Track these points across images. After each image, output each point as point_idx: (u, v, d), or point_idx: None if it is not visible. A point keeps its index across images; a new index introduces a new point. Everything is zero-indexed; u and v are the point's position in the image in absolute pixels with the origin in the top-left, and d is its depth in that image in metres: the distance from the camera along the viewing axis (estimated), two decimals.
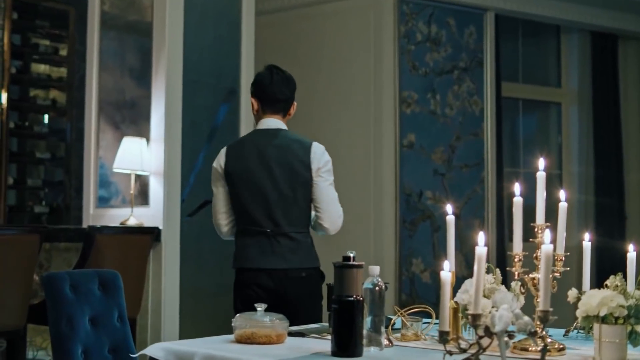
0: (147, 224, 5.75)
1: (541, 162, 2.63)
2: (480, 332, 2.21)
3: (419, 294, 6.91)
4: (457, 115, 7.20)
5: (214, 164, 3.94)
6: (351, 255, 2.61)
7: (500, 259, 7.11)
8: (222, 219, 3.97)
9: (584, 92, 8.25)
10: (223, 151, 3.95)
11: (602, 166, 8.07)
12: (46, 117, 8.08)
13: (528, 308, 2.53)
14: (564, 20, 7.92)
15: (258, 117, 4.00)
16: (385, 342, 2.67)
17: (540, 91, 8.33)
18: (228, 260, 5.41)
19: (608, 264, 6.70)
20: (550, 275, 2.42)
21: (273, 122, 3.97)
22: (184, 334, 5.65)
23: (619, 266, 3.07)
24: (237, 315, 2.84)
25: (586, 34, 8.20)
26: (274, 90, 3.97)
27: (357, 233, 6.78)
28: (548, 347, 2.50)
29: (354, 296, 2.50)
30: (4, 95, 7.37)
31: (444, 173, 7.11)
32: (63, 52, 7.99)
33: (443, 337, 2.25)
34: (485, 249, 2.21)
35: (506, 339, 2.21)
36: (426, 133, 7.03)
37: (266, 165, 3.86)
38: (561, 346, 2.59)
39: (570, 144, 8.26)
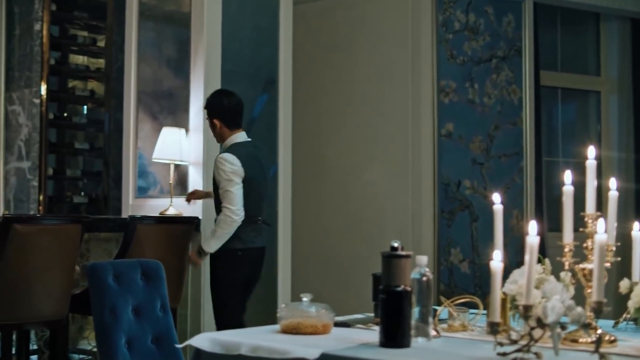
0: (186, 213, 5.76)
1: (591, 151, 2.59)
2: (532, 323, 2.18)
3: (458, 284, 6.88)
4: (496, 104, 7.15)
5: (234, 167, 4.99)
6: (397, 245, 2.59)
7: (540, 249, 7.04)
8: (243, 209, 5.03)
9: (624, 80, 8.14)
10: (235, 159, 4.99)
11: None
12: (85, 108, 8.12)
13: (577, 299, 2.50)
14: (603, 7, 7.82)
15: (223, 133, 5.17)
16: (433, 332, 2.65)
17: (579, 80, 8.23)
18: (267, 251, 5.44)
19: None
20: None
21: (245, 135, 5.22)
22: None
23: None
24: (283, 305, 2.84)
25: (626, 21, 8.09)
26: (235, 109, 5.18)
27: (395, 223, 6.77)
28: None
29: (402, 286, 2.48)
30: (43, 87, 7.41)
31: (482, 162, 7.06)
32: (101, 43, 8.02)
33: (494, 328, 2.22)
34: (538, 238, 2.18)
35: (558, 330, 2.18)
36: (464, 122, 6.98)
37: (264, 171, 5.31)
38: (612, 338, 2.55)
39: (609, 132, 8.17)
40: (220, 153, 5.14)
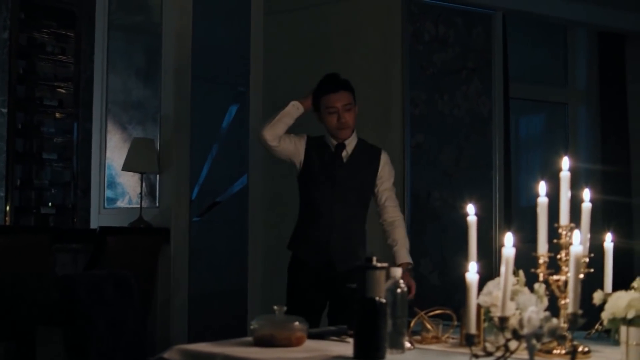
0: (156, 224, 5.72)
1: (565, 162, 2.59)
2: (508, 334, 2.18)
3: (427, 295, 6.87)
4: (466, 116, 7.16)
5: None
6: (372, 257, 2.58)
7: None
8: None
9: (592, 92, 8.21)
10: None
11: (609, 167, 8.02)
12: (53, 117, 8.02)
13: (550, 310, 2.50)
14: (571, 20, 7.88)
15: None
16: (407, 344, 2.64)
17: (548, 91, 8.28)
18: (238, 263, 5.40)
19: (617, 265, 6.65)
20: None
21: None
22: (192, 337, 5.61)
23: (629, 267, 3.03)
24: (256, 317, 2.81)
25: (593, 33, 8.16)
26: None
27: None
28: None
29: (377, 298, 2.47)
30: (10, 96, 7.34)
31: (452, 174, 7.07)
32: (70, 53, 7.94)
33: (470, 340, 2.22)
34: (514, 250, 2.18)
35: (534, 341, 2.18)
36: (434, 134, 6.99)
37: None
38: (586, 349, 2.55)
39: (577, 144, 8.22)
40: (362, 144, 4.60)
